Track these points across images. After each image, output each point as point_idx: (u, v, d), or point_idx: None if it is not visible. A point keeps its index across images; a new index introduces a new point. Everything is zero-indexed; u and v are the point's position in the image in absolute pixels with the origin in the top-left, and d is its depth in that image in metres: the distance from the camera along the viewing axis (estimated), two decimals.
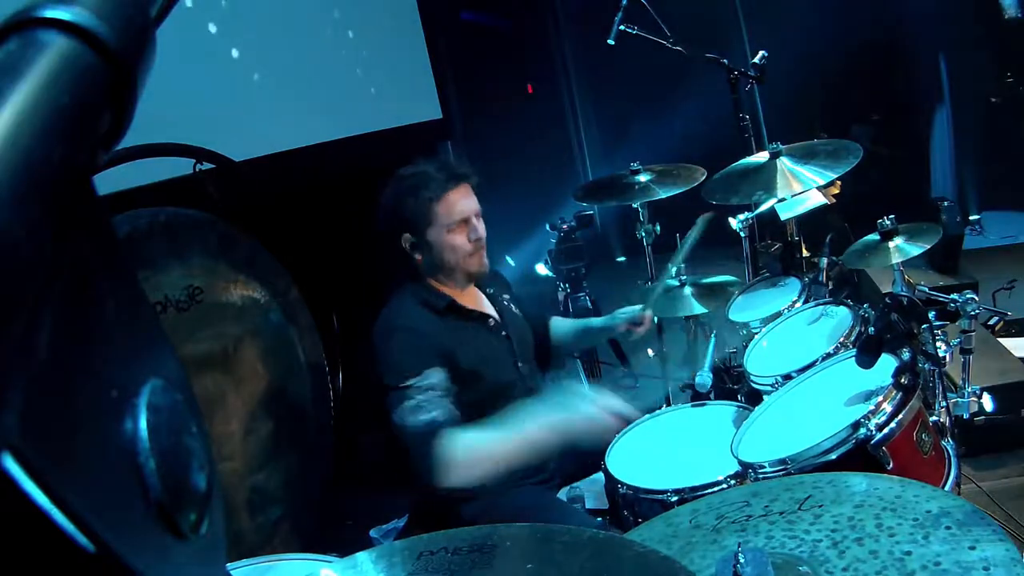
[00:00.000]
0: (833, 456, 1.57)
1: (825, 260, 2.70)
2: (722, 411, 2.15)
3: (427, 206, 2.01)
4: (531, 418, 1.83)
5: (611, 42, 3.04)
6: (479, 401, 1.99)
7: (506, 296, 2.32)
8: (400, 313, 2.04)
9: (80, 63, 0.37)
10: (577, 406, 1.83)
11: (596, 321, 2.56)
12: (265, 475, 2.53)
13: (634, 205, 2.98)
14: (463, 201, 2.05)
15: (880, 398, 1.60)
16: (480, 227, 2.08)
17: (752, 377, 2.18)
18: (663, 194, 2.85)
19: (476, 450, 1.83)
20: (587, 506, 2.12)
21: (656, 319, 3.10)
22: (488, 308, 2.22)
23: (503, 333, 2.19)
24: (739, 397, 2.42)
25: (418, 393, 1.89)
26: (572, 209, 4.54)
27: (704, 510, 1.19)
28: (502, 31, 5.22)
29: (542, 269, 4.55)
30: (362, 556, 0.79)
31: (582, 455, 2.24)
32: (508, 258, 4.98)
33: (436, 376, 1.92)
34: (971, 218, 4.88)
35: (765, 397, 1.98)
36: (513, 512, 2.01)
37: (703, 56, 3.06)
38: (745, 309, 2.60)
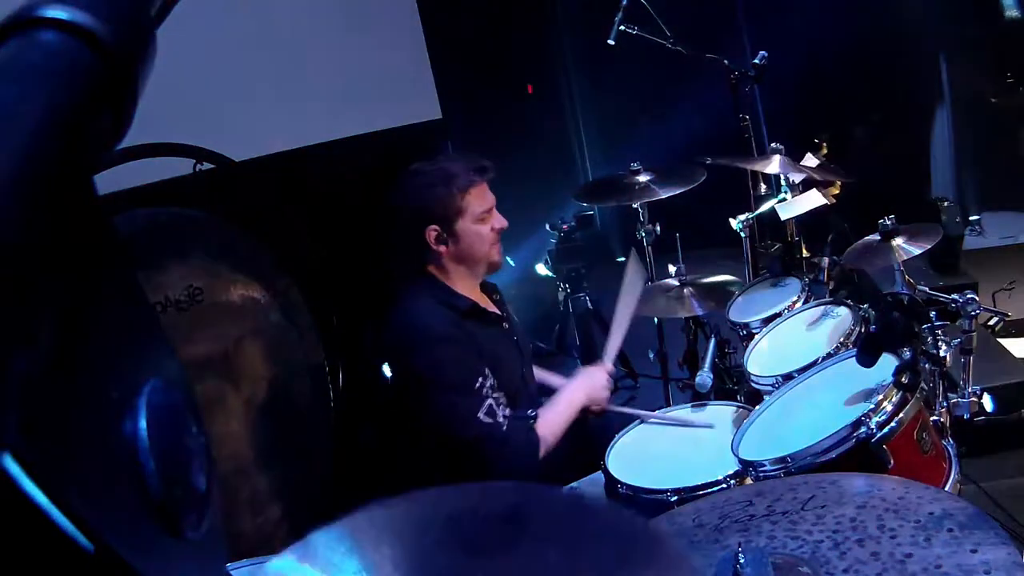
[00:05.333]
0: (834, 455, 1.56)
1: (825, 260, 2.70)
2: (722, 411, 2.15)
3: (459, 197, 2.04)
4: (565, 394, 2.12)
5: (611, 42, 3.04)
6: None
7: (508, 305, 2.33)
8: (432, 320, 2.02)
9: (80, 63, 0.37)
10: (579, 377, 2.18)
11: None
12: (265, 475, 2.53)
13: (634, 205, 2.98)
14: (489, 192, 2.10)
15: (881, 397, 1.60)
16: (502, 218, 2.12)
17: (752, 377, 2.18)
18: (663, 194, 2.85)
19: (547, 435, 2.01)
20: None
21: (656, 320, 3.10)
22: (498, 311, 2.23)
23: (514, 337, 2.21)
24: (739, 397, 2.42)
25: (491, 392, 1.96)
26: (572, 209, 4.53)
27: (707, 509, 1.18)
28: (502, 30, 5.21)
29: (542, 269, 4.55)
30: (381, 513, 0.68)
31: (578, 455, 2.24)
32: (508, 258, 4.97)
33: (491, 377, 1.99)
34: (971, 218, 4.87)
35: (765, 397, 1.98)
36: None
37: (703, 56, 3.06)
38: (745, 309, 2.60)
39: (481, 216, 2.06)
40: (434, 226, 2.04)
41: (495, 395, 1.96)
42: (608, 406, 2.29)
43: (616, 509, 1.91)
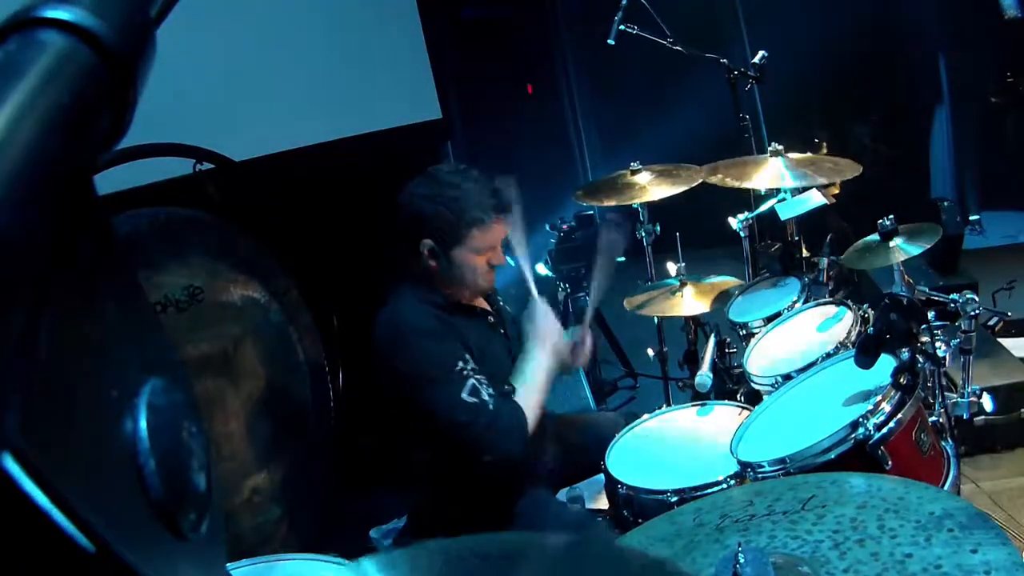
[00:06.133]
0: (832, 455, 1.56)
1: (825, 260, 2.69)
2: (722, 411, 2.15)
3: (467, 228, 1.97)
4: (530, 362, 2.04)
5: (611, 42, 3.04)
6: None
7: (499, 298, 2.32)
8: (413, 316, 2.00)
9: (80, 63, 0.37)
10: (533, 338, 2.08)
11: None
12: (265, 475, 2.53)
13: (634, 205, 2.98)
14: (500, 232, 2.04)
15: (879, 398, 1.60)
16: (503, 255, 2.08)
17: (752, 377, 2.18)
18: (663, 194, 2.85)
19: (530, 407, 1.96)
20: (587, 506, 2.12)
21: (656, 320, 3.10)
22: (487, 306, 2.22)
23: (501, 331, 2.20)
24: (739, 397, 2.42)
25: (472, 375, 1.91)
26: (572, 209, 4.53)
27: (708, 509, 1.18)
28: (502, 30, 5.21)
29: (542, 269, 4.55)
30: (388, 557, 0.74)
31: (581, 457, 2.24)
32: (508, 258, 4.96)
33: (472, 362, 1.94)
34: (971, 218, 4.87)
35: (765, 397, 1.98)
36: (511, 513, 2.02)
37: (703, 56, 3.06)
38: (745, 309, 2.60)
39: (482, 251, 2.01)
40: (429, 241, 1.99)
41: (477, 376, 1.92)
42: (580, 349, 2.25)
43: (586, 527, 1.91)
